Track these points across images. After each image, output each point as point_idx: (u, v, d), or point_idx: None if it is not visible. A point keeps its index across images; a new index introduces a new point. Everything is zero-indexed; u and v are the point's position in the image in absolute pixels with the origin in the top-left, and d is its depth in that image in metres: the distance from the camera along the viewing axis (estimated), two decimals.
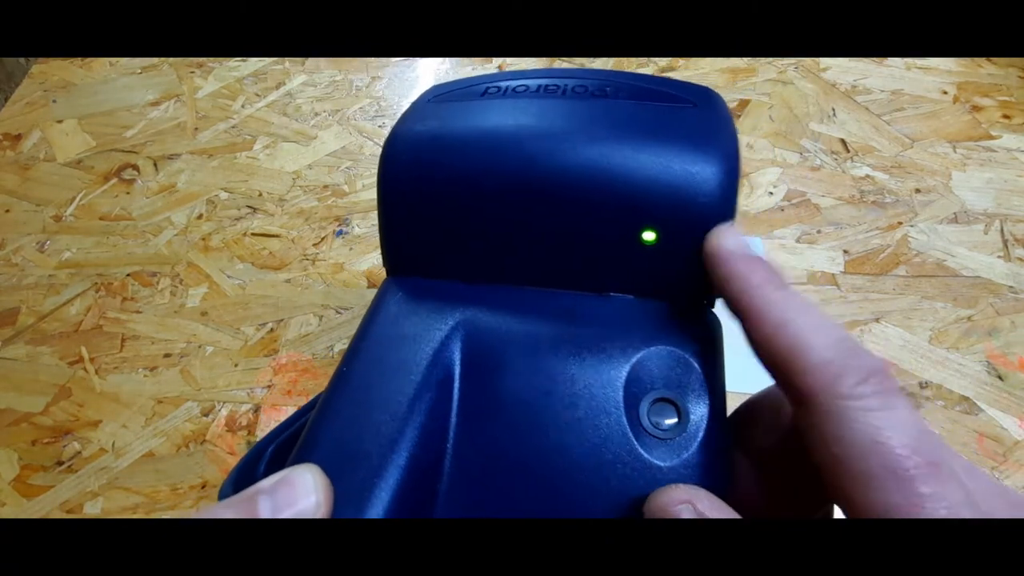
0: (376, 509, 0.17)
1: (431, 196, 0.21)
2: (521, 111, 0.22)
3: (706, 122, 0.21)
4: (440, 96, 0.24)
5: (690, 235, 0.20)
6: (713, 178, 0.20)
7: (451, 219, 0.21)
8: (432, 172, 0.21)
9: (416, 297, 0.22)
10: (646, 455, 0.19)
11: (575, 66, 0.64)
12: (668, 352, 0.20)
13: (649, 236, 0.20)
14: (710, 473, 0.19)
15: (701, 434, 0.19)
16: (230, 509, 0.15)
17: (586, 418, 0.19)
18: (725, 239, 0.19)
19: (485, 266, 0.22)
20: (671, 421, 0.19)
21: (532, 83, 0.23)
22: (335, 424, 0.19)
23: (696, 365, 0.20)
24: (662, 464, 0.19)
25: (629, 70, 0.23)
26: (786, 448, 0.19)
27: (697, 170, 0.20)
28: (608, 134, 0.21)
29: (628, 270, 0.21)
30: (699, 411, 0.19)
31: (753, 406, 0.21)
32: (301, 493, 0.15)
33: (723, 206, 0.20)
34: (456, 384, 0.20)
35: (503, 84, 0.23)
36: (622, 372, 0.20)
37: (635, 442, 0.19)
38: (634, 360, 0.20)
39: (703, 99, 0.22)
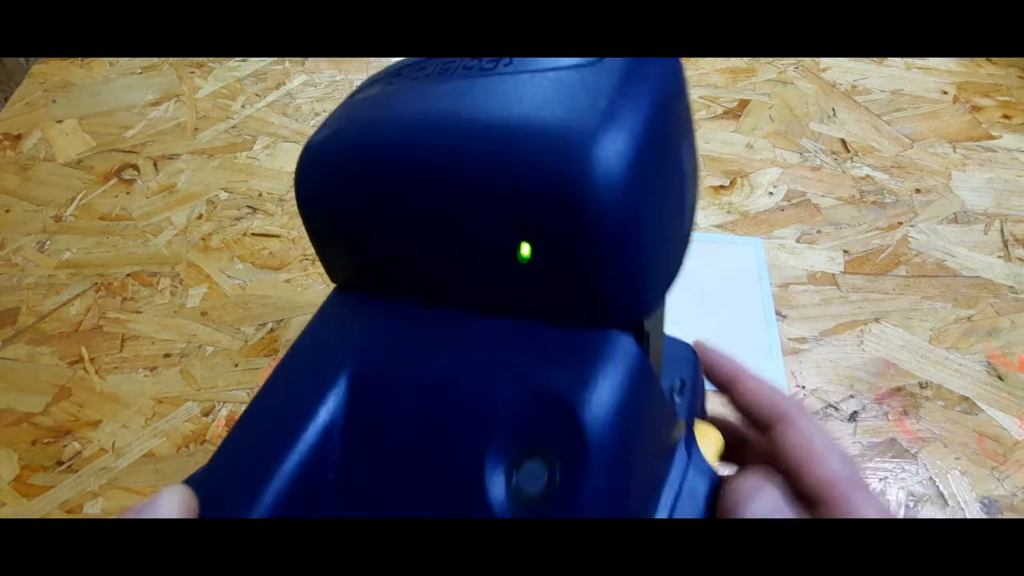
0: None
1: (331, 210, 0.20)
2: (406, 99, 0.19)
3: (605, 85, 0.16)
4: (357, 92, 0.22)
5: (569, 250, 0.16)
6: (589, 168, 0.15)
7: (351, 232, 0.20)
8: (331, 179, 0.19)
9: (335, 312, 0.21)
10: (496, 508, 0.16)
11: None
12: (548, 394, 0.16)
13: (524, 250, 0.16)
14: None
15: (571, 506, 0.15)
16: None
17: (445, 475, 0.17)
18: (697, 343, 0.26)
19: (392, 281, 0.20)
20: (539, 486, 0.16)
21: (431, 66, 0.19)
22: (236, 434, 0.19)
23: (579, 411, 0.15)
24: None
25: None
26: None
27: (564, 160, 0.15)
28: (475, 119, 0.16)
29: (514, 288, 0.17)
30: (574, 474, 0.15)
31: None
32: (160, 511, 0.17)
33: (614, 207, 0.15)
34: (342, 410, 0.18)
35: (408, 69, 0.20)
36: (490, 419, 0.16)
37: (492, 511, 0.16)
38: (506, 404, 0.16)
39: (625, 61, 0.16)
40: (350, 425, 0.18)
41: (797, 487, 0.22)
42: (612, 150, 0.15)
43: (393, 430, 0.18)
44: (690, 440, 0.22)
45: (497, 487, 0.16)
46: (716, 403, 0.26)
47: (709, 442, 0.24)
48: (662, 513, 0.19)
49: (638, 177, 0.15)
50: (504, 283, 0.17)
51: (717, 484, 0.21)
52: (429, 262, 0.18)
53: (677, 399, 0.22)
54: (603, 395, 0.16)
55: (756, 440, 0.26)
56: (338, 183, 0.19)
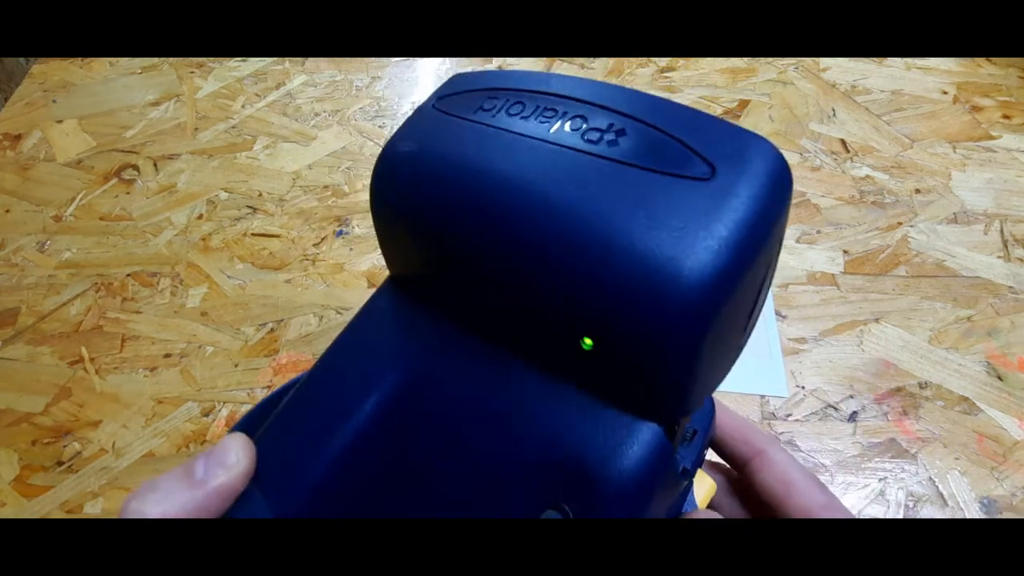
0: (294, 496, 0.19)
1: (405, 221, 0.20)
2: (502, 147, 0.18)
3: (709, 206, 0.15)
4: (443, 99, 0.21)
5: (632, 357, 0.16)
6: (670, 291, 0.15)
7: (421, 247, 0.20)
8: (406, 200, 0.20)
9: (392, 311, 0.21)
10: None
11: (581, 69, 0.64)
12: (575, 464, 0.17)
13: (587, 341, 0.17)
14: None
15: None
16: (174, 472, 0.19)
17: (460, 505, 0.18)
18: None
19: (452, 305, 0.20)
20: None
21: (531, 102, 0.19)
22: (289, 411, 0.20)
23: (598, 486, 0.17)
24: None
25: (660, 96, 0.19)
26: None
27: (648, 280, 0.15)
28: (577, 210, 0.16)
29: (569, 361, 0.18)
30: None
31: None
32: (229, 455, 0.19)
33: (684, 330, 0.15)
34: (384, 412, 0.19)
35: (503, 94, 0.20)
36: (516, 469, 0.18)
37: None
38: (533, 458, 0.18)
39: (731, 162, 0.16)
40: (389, 429, 0.19)
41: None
42: (699, 279, 0.15)
43: (425, 450, 0.19)
44: (688, 489, 0.22)
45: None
46: None
47: (702, 488, 0.24)
48: None
49: (715, 302, 0.15)
50: (560, 355, 0.18)
51: None
52: (492, 313, 0.19)
53: (684, 449, 0.22)
54: (624, 476, 0.17)
55: (723, 482, 0.26)
56: (422, 202, 0.19)
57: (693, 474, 0.22)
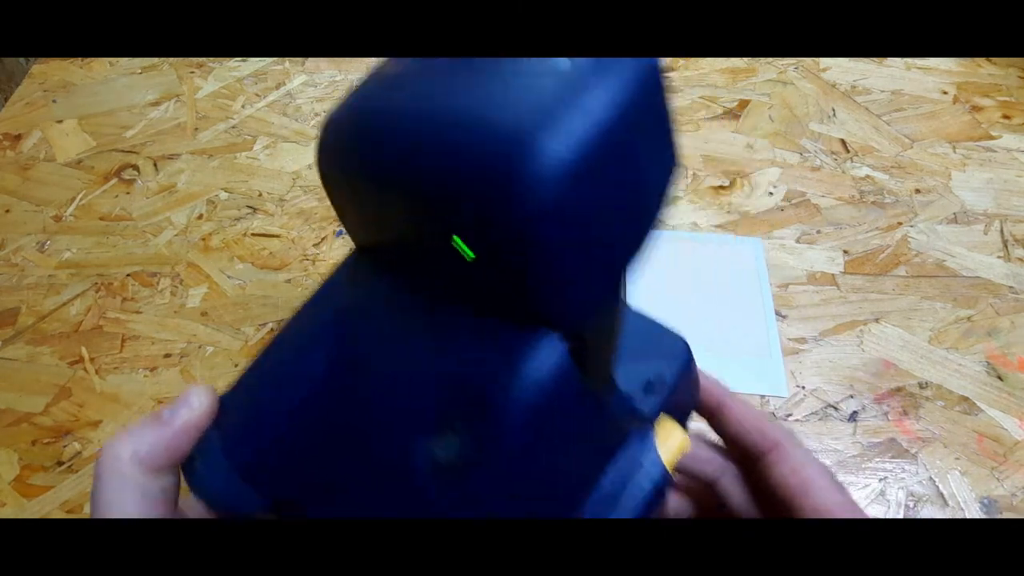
0: (251, 436, 0.21)
1: (335, 177, 0.21)
2: (410, 84, 0.19)
3: (563, 88, 0.15)
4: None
5: (500, 251, 0.16)
6: (521, 168, 0.15)
7: (352, 202, 0.21)
8: (335, 153, 0.21)
9: (346, 276, 0.23)
10: (422, 485, 0.18)
11: None
12: (468, 381, 0.18)
13: (468, 252, 0.17)
14: (481, 510, 0.18)
15: (479, 470, 0.18)
16: (143, 418, 0.21)
17: (386, 438, 0.19)
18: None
19: (381, 254, 0.22)
20: (452, 456, 0.18)
21: None
22: (249, 370, 0.23)
23: (488, 398, 0.18)
24: (432, 497, 0.18)
25: None
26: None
27: (497, 158, 0.15)
28: (447, 117, 0.17)
29: (468, 284, 0.18)
30: (478, 450, 0.18)
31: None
32: (191, 398, 0.21)
33: (544, 210, 0.15)
34: (328, 366, 0.21)
35: None
36: (422, 397, 0.19)
37: (415, 470, 0.18)
38: (438, 385, 0.19)
39: (594, 63, 0.16)
40: (333, 375, 0.21)
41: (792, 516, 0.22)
42: (549, 153, 0.14)
43: (357, 391, 0.21)
44: (645, 438, 0.22)
45: (420, 453, 0.18)
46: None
47: (670, 442, 0.23)
48: (592, 505, 0.21)
49: (577, 181, 0.15)
50: (459, 278, 0.18)
51: (664, 484, 0.22)
52: (404, 249, 0.20)
53: (641, 397, 0.22)
54: (513, 390, 0.18)
55: (735, 472, 0.26)
56: (340, 154, 0.20)
57: (648, 420, 0.22)
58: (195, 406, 0.21)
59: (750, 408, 0.24)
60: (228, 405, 0.22)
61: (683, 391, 0.24)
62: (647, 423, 0.22)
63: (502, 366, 0.18)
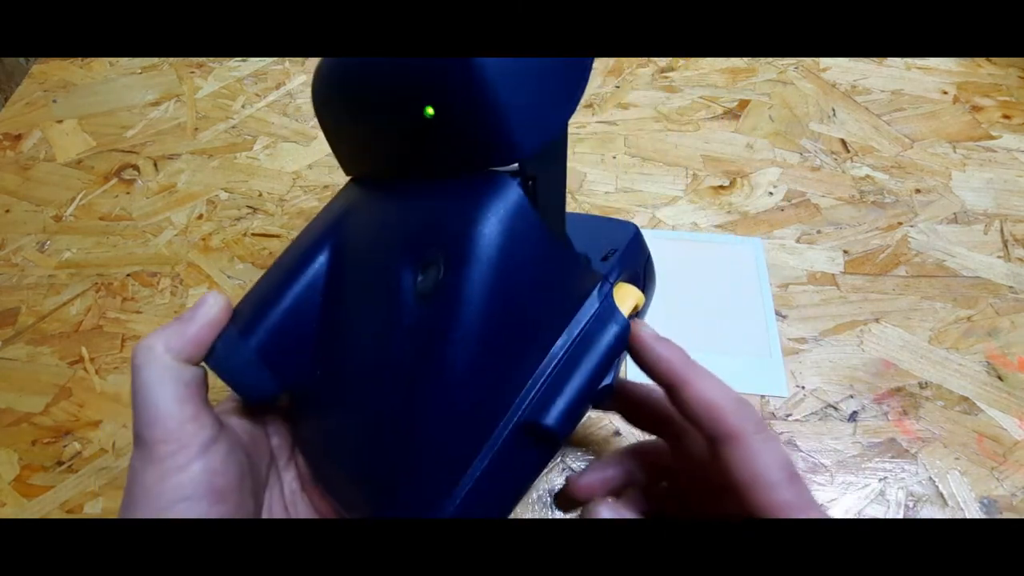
0: (262, 325, 0.25)
1: (323, 112, 0.27)
2: None
3: None
4: None
5: (455, 100, 0.21)
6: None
7: (336, 129, 0.27)
8: (322, 92, 0.27)
9: (337, 198, 0.28)
10: (406, 309, 0.23)
11: None
12: (440, 221, 0.23)
13: (429, 111, 0.22)
14: (454, 326, 0.22)
15: (449, 291, 0.22)
16: (168, 323, 0.25)
17: (381, 279, 0.24)
18: (641, 332, 0.25)
19: (364, 163, 0.28)
20: (432, 284, 0.22)
21: None
22: (260, 279, 0.27)
23: (452, 230, 0.22)
24: (413, 319, 0.22)
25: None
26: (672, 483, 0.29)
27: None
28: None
29: (431, 149, 0.23)
30: (448, 275, 0.22)
31: (639, 452, 0.30)
32: (207, 299, 0.25)
33: (485, 68, 0.20)
34: (326, 265, 0.26)
35: None
36: (405, 243, 0.23)
37: (401, 299, 0.23)
38: (416, 231, 0.23)
39: None
40: (329, 272, 0.26)
41: (740, 508, 0.21)
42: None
43: (353, 268, 0.25)
44: (607, 292, 0.25)
45: (406, 283, 0.23)
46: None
47: (627, 299, 0.26)
48: (562, 348, 0.24)
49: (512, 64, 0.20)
50: (422, 145, 0.23)
51: (625, 331, 0.25)
52: (376, 140, 0.25)
53: (601, 263, 0.27)
54: (476, 215, 0.22)
55: (692, 440, 0.26)
56: (326, 89, 0.26)
57: (606, 279, 0.26)
58: (212, 304, 0.25)
59: (712, 388, 0.23)
60: (242, 307, 0.26)
61: (633, 258, 0.28)
62: (606, 282, 0.26)
63: (468, 204, 0.22)
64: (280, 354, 0.25)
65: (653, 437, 0.29)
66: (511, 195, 0.22)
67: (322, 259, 0.26)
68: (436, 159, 0.24)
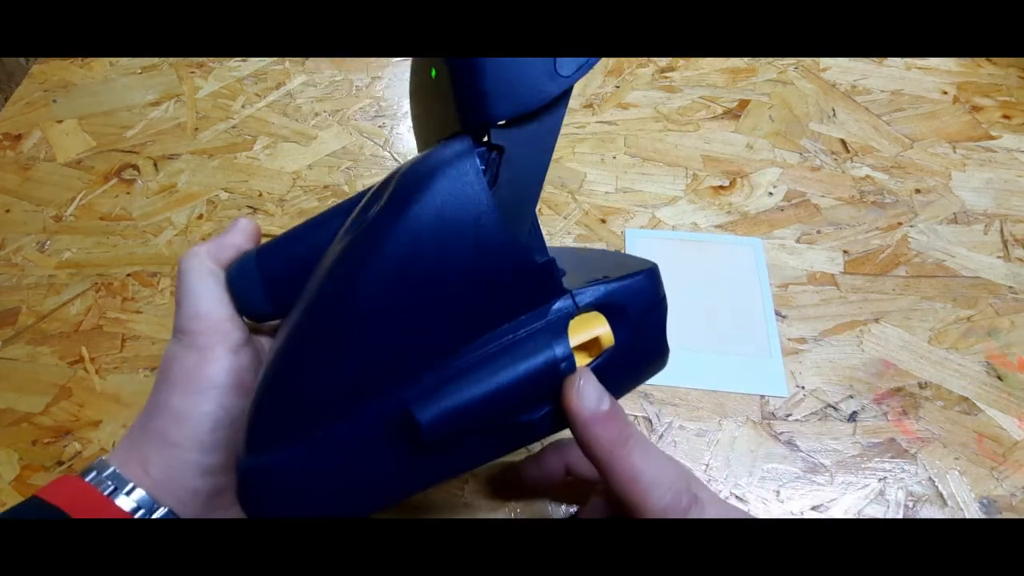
0: (279, 263, 0.28)
1: (412, 97, 0.30)
2: None
3: None
4: None
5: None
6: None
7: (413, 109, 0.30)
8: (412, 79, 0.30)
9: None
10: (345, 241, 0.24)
11: None
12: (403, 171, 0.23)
13: (432, 72, 0.24)
14: (351, 256, 0.23)
15: (371, 225, 0.22)
16: (208, 240, 0.29)
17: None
18: (579, 402, 0.22)
19: (421, 138, 0.30)
20: (368, 215, 0.24)
21: None
22: (292, 229, 0.29)
23: (403, 169, 0.23)
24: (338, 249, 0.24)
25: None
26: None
27: None
28: None
29: (437, 105, 0.25)
30: (383, 208, 0.23)
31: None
32: (241, 222, 0.30)
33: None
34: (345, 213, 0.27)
35: None
36: (385, 183, 0.24)
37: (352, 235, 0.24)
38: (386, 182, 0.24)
39: None
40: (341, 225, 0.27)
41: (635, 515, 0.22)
42: None
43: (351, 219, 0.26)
44: (563, 312, 0.23)
45: (362, 220, 0.24)
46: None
47: (585, 329, 0.23)
48: (483, 343, 0.22)
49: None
50: (434, 105, 0.25)
51: (559, 361, 0.22)
52: (419, 116, 0.29)
53: (578, 287, 0.24)
54: (413, 163, 0.23)
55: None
56: (412, 78, 0.30)
57: (569, 295, 0.23)
58: (244, 225, 0.30)
59: (640, 477, 0.22)
60: (265, 245, 0.29)
61: (628, 295, 0.24)
62: (568, 299, 0.23)
63: (426, 155, 0.23)
64: (279, 286, 0.27)
65: None
66: (459, 149, 0.22)
67: (337, 217, 0.27)
68: (437, 119, 0.25)
